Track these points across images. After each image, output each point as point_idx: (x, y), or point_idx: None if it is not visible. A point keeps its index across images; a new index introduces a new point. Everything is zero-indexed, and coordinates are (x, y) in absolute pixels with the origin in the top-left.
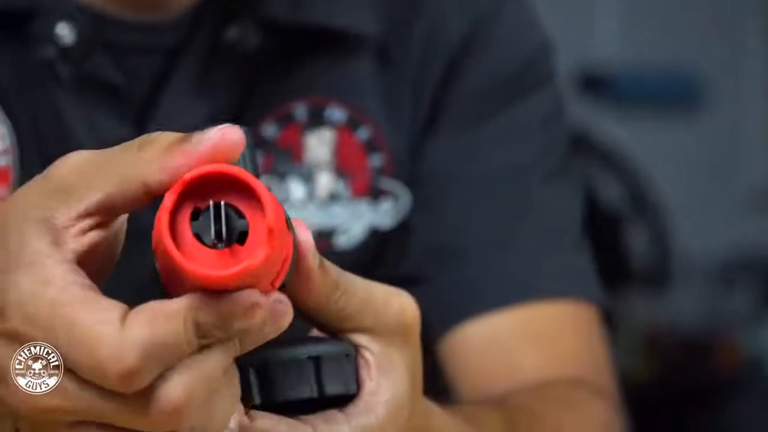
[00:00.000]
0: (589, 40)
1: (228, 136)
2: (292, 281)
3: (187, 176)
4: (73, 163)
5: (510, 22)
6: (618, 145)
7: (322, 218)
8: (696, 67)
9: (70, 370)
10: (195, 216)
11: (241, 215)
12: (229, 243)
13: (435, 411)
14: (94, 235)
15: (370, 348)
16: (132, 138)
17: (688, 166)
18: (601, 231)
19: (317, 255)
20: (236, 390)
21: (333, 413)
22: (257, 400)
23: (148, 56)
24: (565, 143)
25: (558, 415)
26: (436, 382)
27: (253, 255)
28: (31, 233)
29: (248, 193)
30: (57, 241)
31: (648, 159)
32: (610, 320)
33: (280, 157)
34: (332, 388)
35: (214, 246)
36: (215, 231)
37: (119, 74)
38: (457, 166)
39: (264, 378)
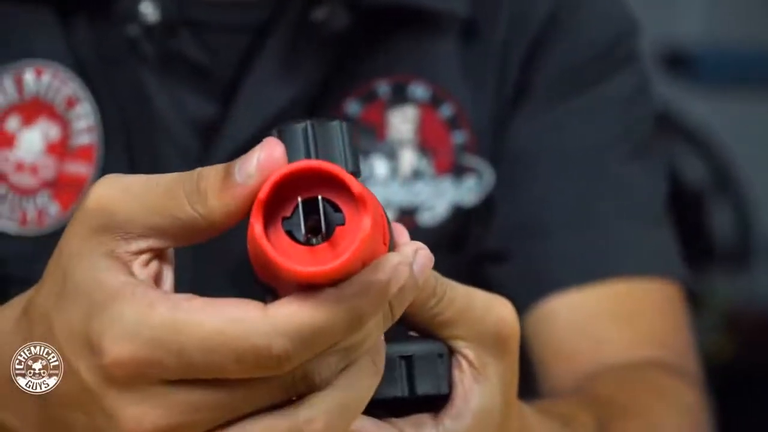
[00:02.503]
0: (672, 18)
1: (270, 155)
2: None
3: (274, 177)
4: (115, 192)
5: (596, 1)
6: (701, 124)
7: (405, 195)
8: None
9: (190, 381)
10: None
11: (335, 209)
12: (325, 237)
13: (530, 413)
14: (155, 266)
15: (465, 353)
16: (218, 116)
17: None
18: (684, 210)
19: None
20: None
21: (422, 417)
22: None
23: (233, 35)
24: (651, 122)
25: (647, 407)
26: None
27: (351, 248)
28: (103, 268)
29: (341, 189)
30: (131, 272)
31: (731, 138)
32: (694, 299)
33: (363, 135)
34: (423, 388)
35: (307, 242)
36: (309, 226)
37: (204, 53)
38: (542, 143)
39: None
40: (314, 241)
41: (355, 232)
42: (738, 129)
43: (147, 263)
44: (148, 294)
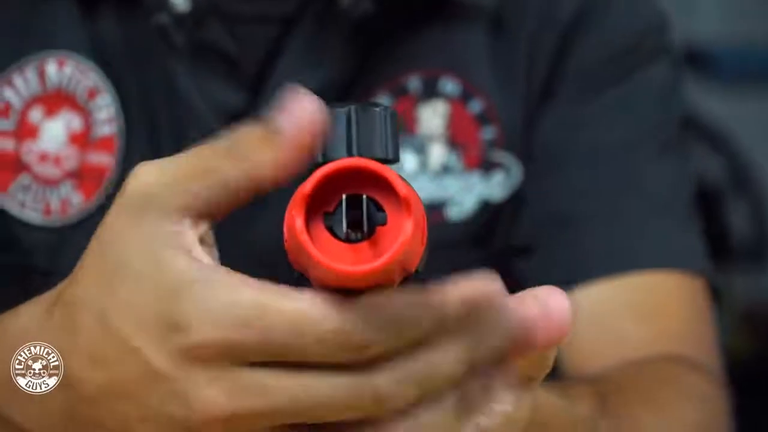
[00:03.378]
0: (690, 16)
1: (306, 109)
2: None
3: (321, 172)
4: (152, 175)
5: None
6: (719, 121)
7: (434, 190)
8: None
9: (266, 365)
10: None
11: (378, 207)
12: (369, 235)
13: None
14: (209, 238)
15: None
16: (247, 106)
17: None
18: (701, 207)
19: None
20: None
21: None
22: None
23: (262, 25)
24: (679, 117)
25: (652, 388)
26: None
27: (391, 250)
28: (164, 253)
29: (386, 188)
30: (190, 252)
31: (750, 135)
32: (716, 295)
33: None
34: None
35: (347, 239)
36: (351, 223)
37: (233, 43)
38: (570, 138)
39: None
40: (354, 237)
41: (396, 234)
42: (757, 127)
43: (202, 239)
44: (230, 276)
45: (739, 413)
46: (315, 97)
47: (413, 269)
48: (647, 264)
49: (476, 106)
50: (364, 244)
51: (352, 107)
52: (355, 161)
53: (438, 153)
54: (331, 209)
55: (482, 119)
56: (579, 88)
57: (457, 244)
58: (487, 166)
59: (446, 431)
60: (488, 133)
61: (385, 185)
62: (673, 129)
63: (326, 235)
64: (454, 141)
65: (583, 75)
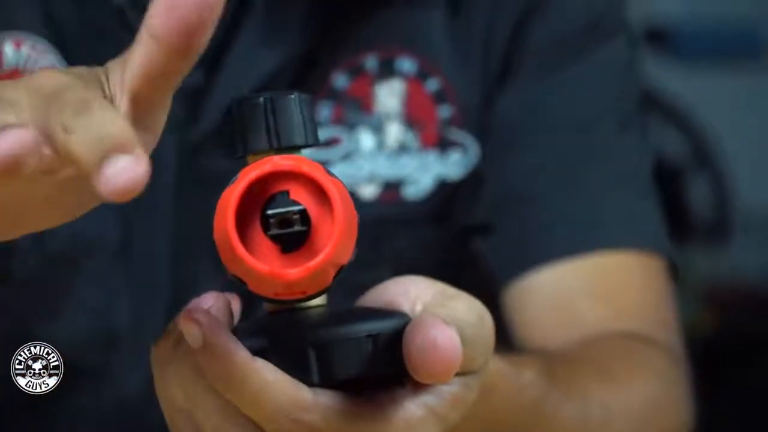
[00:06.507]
0: None
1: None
2: None
3: (252, 175)
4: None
5: None
6: (680, 98)
7: (391, 169)
8: (760, 19)
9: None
10: (263, 205)
11: (305, 214)
12: (295, 243)
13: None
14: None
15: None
16: (204, 83)
17: (751, 119)
18: (662, 184)
19: None
20: None
21: (399, 390)
22: (316, 379)
23: None
24: (638, 93)
25: (605, 361)
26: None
27: (317, 256)
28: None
29: (310, 181)
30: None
31: (710, 112)
32: (676, 273)
33: (350, 108)
34: (390, 367)
35: (276, 238)
36: (280, 220)
37: None
38: (529, 115)
39: (322, 358)
40: (284, 236)
41: (324, 239)
42: (716, 104)
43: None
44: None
45: (702, 391)
46: None
47: (345, 263)
48: (606, 244)
49: (433, 84)
50: (294, 246)
51: (266, 96)
52: (285, 165)
53: (395, 132)
54: (262, 203)
55: (439, 98)
56: (537, 66)
57: (414, 223)
58: (444, 145)
59: None
60: (445, 111)
61: (311, 182)
62: (632, 106)
63: (261, 234)
64: (411, 120)
65: (541, 53)
